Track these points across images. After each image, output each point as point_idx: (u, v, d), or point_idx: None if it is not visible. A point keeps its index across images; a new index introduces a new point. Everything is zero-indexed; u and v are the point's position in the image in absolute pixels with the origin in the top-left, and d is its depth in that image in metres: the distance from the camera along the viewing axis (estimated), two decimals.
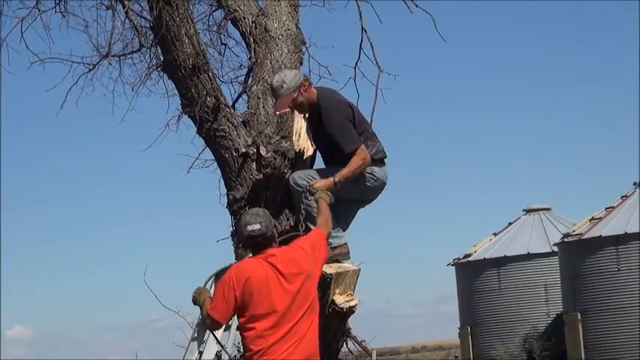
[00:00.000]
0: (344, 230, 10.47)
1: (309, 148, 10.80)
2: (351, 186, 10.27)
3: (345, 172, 10.15)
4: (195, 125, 10.58)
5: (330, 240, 9.96)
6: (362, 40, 12.45)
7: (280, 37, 11.22)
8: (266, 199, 10.37)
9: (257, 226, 8.90)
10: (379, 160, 10.52)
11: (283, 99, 10.20)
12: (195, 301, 9.44)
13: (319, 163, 10.78)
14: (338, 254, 10.13)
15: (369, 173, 10.38)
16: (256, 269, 8.83)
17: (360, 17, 12.47)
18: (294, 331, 8.83)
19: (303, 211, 10.12)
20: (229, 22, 11.68)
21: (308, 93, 10.33)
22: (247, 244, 9.02)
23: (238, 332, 10.04)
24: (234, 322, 9.77)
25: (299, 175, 10.26)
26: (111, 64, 12.22)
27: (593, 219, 48.56)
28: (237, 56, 12.29)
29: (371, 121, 11.68)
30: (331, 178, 10.10)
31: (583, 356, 46.73)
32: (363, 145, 10.30)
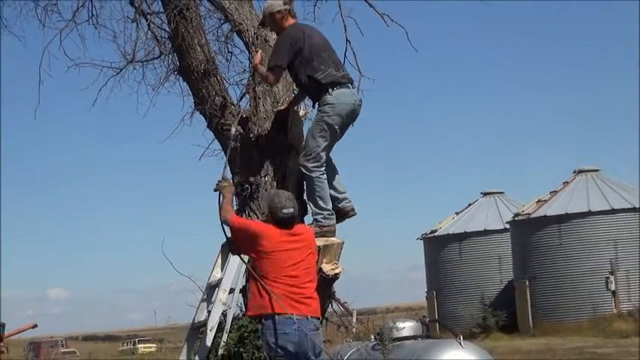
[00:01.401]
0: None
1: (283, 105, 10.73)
2: (317, 125, 9.98)
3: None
4: (206, 120, 10.57)
5: (323, 221, 9.97)
6: (346, 50, 12.41)
7: None
8: (265, 183, 10.36)
9: (291, 210, 9.04)
10: (332, 84, 9.99)
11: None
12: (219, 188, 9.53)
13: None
14: (327, 231, 10.07)
15: (323, 105, 9.95)
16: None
17: (345, 30, 12.46)
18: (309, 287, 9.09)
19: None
20: (235, 33, 11.66)
21: (280, 21, 10.23)
22: (279, 223, 9.05)
23: (241, 295, 10.08)
24: (239, 285, 9.79)
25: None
26: (135, 69, 12.20)
27: (539, 201, 48.71)
28: (241, 62, 12.25)
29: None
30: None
31: (530, 316, 46.84)
32: (279, 63, 10.07)
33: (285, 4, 10.36)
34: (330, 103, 9.95)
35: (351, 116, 10.18)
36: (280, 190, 9.41)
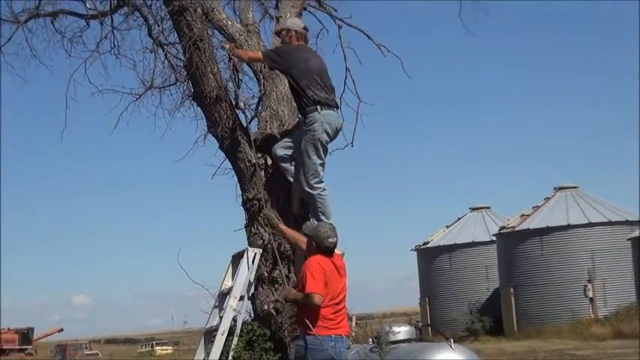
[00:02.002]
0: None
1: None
2: (309, 144, 10.00)
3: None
4: (218, 142, 10.55)
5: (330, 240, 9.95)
6: (346, 77, 12.43)
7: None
8: (272, 200, 10.36)
9: (335, 239, 9.17)
10: (319, 103, 10.04)
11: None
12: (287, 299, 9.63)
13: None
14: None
15: (312, 124, 9.98)
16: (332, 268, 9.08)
17: (345, 59, 12.47)
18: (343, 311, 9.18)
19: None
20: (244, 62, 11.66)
21: (291, 39, 10.41)
22: (323, 250, 9.10)
23: (250, 302, 10.06)
24: (248, 293, 9.78)
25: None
26: (153, 95, 12.22)
27: (523, 215, 48.68)
28: (250, 89, 12.25)
29: (352, 140, 11.71)
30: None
31: (515, 320, 46.76)
32: (263, 56, 10.36)
33: (304, 28, 10.59)
34: (318, 122, 10.00)
35: (334, 136, 10.25)
36: (322, 222, 9.42)
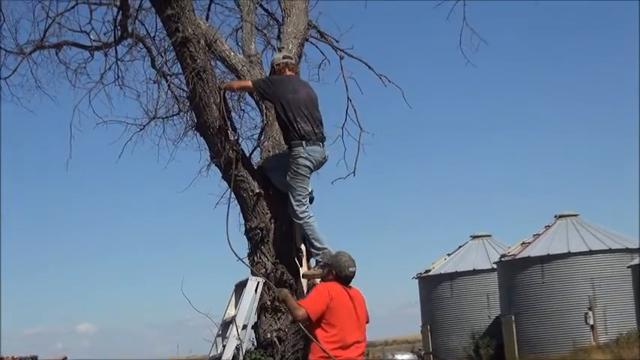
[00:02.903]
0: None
1: None
2: (294, 177, 10.12)
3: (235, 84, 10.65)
4: (221, 172, 10.54)
5: (320, 260, 10.01)
6: (347, 107, 12.49)
7: None
8: (274, 229, 10.36)
9: (354, 269, 9.19)
10: (304, 138, 10.15)
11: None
12: (279, 297, 9.69)
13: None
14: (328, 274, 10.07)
15: (297, 157, 10.11)
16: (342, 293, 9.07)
17: (347, 89, 12.53)
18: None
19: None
20: (247, 93, 11.68)
21: (279, 72, 10.48)
22: (342, 279, 9.14)
23: (253, 330, 10.04)
24: (251, 321, 9.76)
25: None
26: (157, 125, 12.30)
27: (523, 243, 48.54)
28: (252, 119, 12.30)
29: (354, 169, 11.74)
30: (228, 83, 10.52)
31: (516, 348, 46.59)
32: (253, 85, 10.46)
33: (284, 57, 10.62)
34: (302, 157, 10.09)
35: (317, 167, 10.34)
36: (343, 251, 9.43)
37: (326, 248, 10.01)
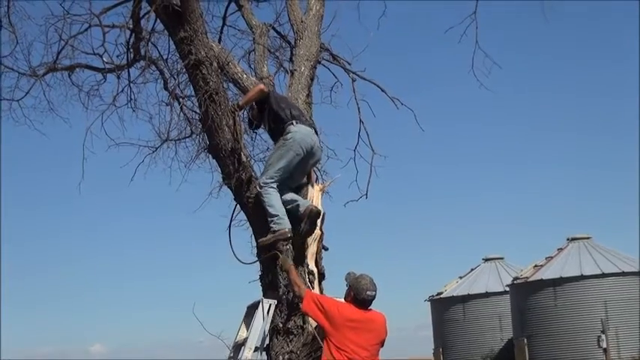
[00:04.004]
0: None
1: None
2: (277, 150, 10.18)
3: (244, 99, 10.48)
4: (232, 194, 10.50)
5: (274, 226, 9.97)
6: (360, 130, 12.49)
7: None
8: (286, 250, 10.30)
9: (374, 293, 9.17)
10: (293, 118, 10.24)
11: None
12: (282, 266, 9.83)
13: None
14: (280, 235, 10.01)
15: (286, 134, 10.15)
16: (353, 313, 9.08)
17: (359, 112, 12.52)
18: None
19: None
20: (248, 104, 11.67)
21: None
22: (359, 301, 9.14)
23: (265, 352, 9.98)
24: (263, 343, 9.71)
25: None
26: (169, 147, 12.27)
27: (536, 266, 48.39)
28: (264, 141, 12.27)
29: (367, 191, 11.73)
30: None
31: None
32: (260, 87, 10.42)
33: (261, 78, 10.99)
34: (291, 132, 10.10)
35: (309, 153, 10.28)
36: (365, 274, 9.39)
37: (277, 215, 9.98)
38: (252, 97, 10.47)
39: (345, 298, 9.27)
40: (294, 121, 10.15)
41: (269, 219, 10.01)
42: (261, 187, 10.07)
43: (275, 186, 10.08)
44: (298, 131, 10.12)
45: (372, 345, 9.12)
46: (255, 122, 10.72)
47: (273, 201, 10.04)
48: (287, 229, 9.99)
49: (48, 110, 12.61)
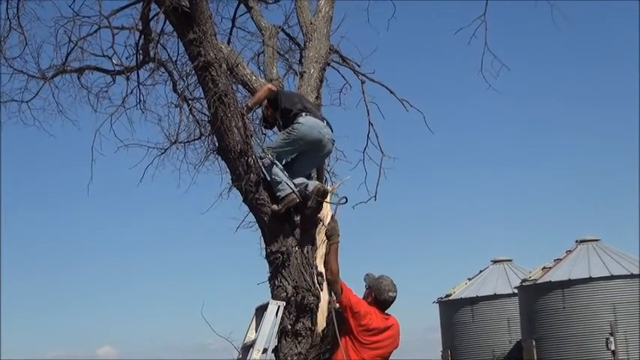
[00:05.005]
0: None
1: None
2: (283, 134, 10.24)
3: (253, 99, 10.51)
4: (242, 195, 10.47)
5: (281, 192, 10.02)
6: (369, 132, 12.47)
7: None
8: (295, 252, 10.29)
9: (395, 294, 9.20)
10: (304, 110, 10.30)
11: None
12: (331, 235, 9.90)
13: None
14: (288, 203, 10.06)
15: (294, 123, 10.21)
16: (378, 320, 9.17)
17: (368, 114, 12.50)
18: None
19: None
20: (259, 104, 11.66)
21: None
22: (380, 302, 9.16)
23: (273, 354, 9.98)
24: (271, 345, 9.71)
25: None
26: (178, 149, 12.26)
27: (544, 268, 48.31)
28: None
29: (376, 193, 11.72)
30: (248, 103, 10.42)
31: None
32: (268, 86, 10.53)
33: (270, 80, 11.10)
34: (299, 123, 10.14)
35: (317, 145, 10.29)
36: (385, 275, 9.41)
37: (281, 182, 10.06)
38: (261, 97, 10.48)
39: (364, 299, 9.28)
40: (303, 113, 10.17)
41: (274, 187, 10.11)
42: (262, 158, 10.17)
43: (274, 164, 10.18)
44: (305, 123, 10.15)
45: (385, 353, 9.21)
46: (270, 122, 10.75)
47: (275, 168, 10.14)
48: (293, 194, 10.03)
49: (57, 112, 12.63)
